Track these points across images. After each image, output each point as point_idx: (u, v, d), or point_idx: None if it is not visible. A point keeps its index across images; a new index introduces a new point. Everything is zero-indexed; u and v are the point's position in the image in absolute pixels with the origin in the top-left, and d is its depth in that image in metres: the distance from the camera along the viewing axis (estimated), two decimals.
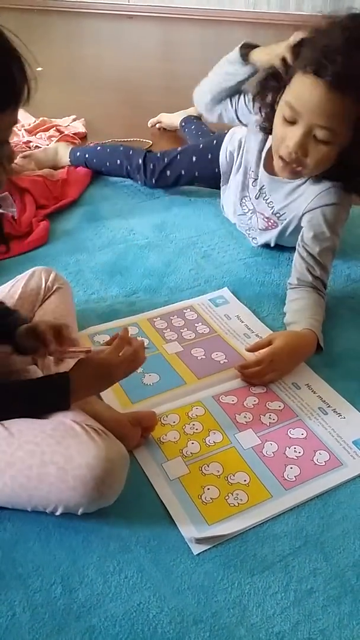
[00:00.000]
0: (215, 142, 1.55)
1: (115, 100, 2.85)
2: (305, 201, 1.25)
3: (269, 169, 1.32)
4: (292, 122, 1.10)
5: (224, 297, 1.31)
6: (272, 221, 1.38)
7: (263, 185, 1.35)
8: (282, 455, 0.92)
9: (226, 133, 1.54)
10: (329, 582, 0.76)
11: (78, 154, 1.86)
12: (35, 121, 2.22)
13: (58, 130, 2.20)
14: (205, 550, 0.79)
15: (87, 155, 1.84)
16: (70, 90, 2.80)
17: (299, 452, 0.93)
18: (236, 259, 1.46)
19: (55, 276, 1.12)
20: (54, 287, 1.10)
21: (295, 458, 0.92)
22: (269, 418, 0.99)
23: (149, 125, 2.39)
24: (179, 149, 1.67)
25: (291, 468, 0.90)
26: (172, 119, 2.24)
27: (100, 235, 1.59)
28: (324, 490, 0.87)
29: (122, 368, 0.87)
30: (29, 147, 2.04)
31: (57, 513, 0.79)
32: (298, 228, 1.28)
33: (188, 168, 1.63)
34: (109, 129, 2.34)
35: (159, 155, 1.70)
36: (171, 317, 1.25)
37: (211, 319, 1.24)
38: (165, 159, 1.66)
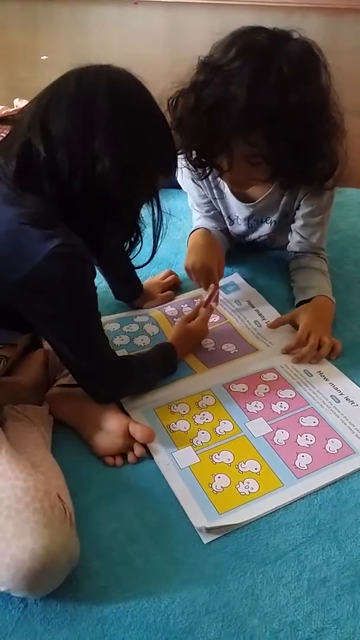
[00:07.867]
0: None
1: None
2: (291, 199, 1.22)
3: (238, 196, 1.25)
4: None
5: (235, 283, 1.30)
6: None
7: (249, 216, 1.28)
8: (293, 443, 0.91)
9: None
10: (342, 571, 0.75)
11: None
12: None
13: None
14: (216, 540, 0.78)
15: None
16: None
17: (311, 440, 0.91)
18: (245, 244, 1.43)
19: None
20: None
21: (307, 446, 0.91)
22: (280, 406, 0.98)
23: None
24: None
25: (303, 456, 0.89)
26: None
27: None
28: (337, 479, 0.86)
29: (205, 335, 1.12)
30: None
31: None
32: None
33: None
34: None
35: None
36: (182, 305, 1.24)
37: (221, 307, 1.23)
38: None
